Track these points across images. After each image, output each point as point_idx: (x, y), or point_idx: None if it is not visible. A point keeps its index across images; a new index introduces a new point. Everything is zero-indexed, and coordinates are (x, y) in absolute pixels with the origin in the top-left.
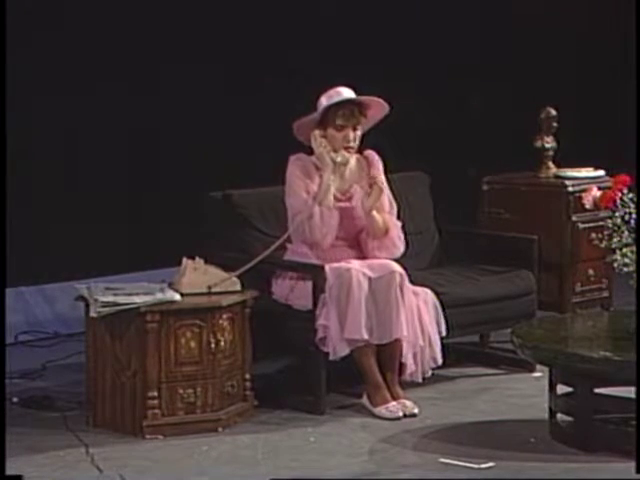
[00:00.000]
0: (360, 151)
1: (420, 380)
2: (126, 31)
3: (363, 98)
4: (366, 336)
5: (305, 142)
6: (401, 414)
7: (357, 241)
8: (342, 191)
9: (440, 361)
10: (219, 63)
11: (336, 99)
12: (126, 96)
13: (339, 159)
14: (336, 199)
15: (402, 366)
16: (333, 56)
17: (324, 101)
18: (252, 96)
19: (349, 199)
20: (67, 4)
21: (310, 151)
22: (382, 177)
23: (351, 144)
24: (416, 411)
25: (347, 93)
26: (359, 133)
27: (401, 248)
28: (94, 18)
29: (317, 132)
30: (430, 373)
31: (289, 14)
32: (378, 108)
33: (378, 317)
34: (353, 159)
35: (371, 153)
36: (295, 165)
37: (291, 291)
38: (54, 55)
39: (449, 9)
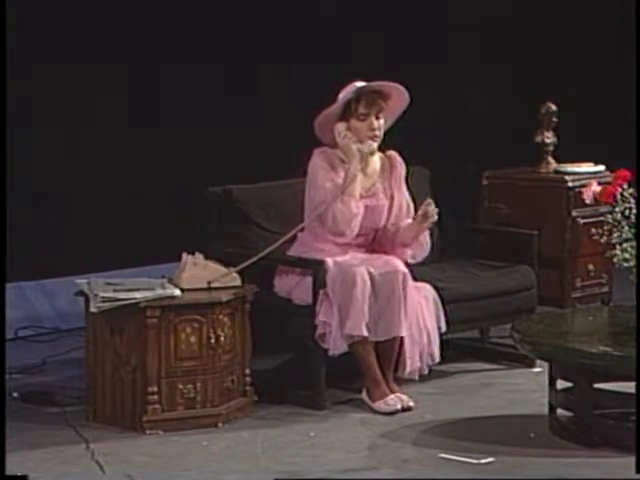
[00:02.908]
0: (383, 150)
1: (417, 378)
2: (125, 29)
3: (383, 84)
4: (365, 333)
5: (329, 142)
6: (399, 407)
7: (374, 238)
8: (365, 188)
9: (437, 358)
10: (219, 60)
11: (356, 90)
12: (126, 92)
13: (366, 149)
14: (359, 195)
15: (398, 363)
16: (333, 53)
17: (342, 95)
18: (252, 92)
19: (371, 196)
20: (67, 6)
21: (333, 144)
22: (434, 212)
23: (376, 132)
24: (412, 404)
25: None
26: (382, 122)
27: (426, 251)
28: (94, 19)
29: (340, 125)
30: (427, 371)
31: (289, 12)
32: (399, 97)
33: (379, 314)
34: (376, 157)
35: (394, 154)
36: (320, 157)
37: (296, 286)
38: (54, 54)
39: (449, 4)
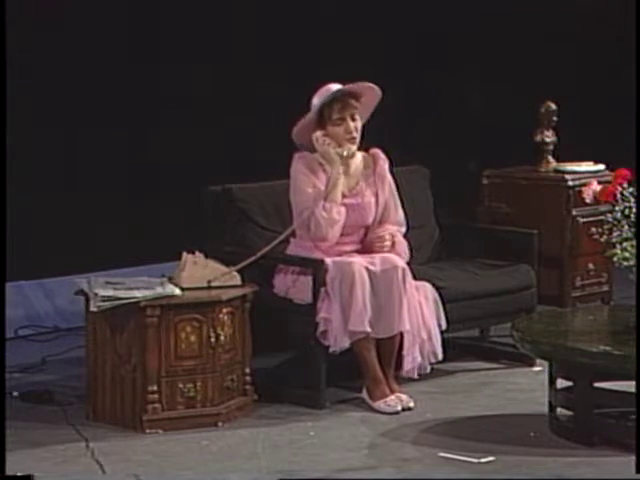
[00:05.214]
0: (366, 149)
1: (416, 377)
2: (125, 29)
3: (353, 86)
4: (368, 329)
5: (308, 147)
6: (400, 408)
7: (363, 236)
8: (348, 188)
9: (440, 356)
10: (219, 60)
11: (327, 95)
12: (126, 92)
13: (345, 152)
14: (343, 195)
15: (400, 361)
16: (333, 52)
17: (316, 101)
18: (252, 91)
19: (355, 195)
20: (67, 6)
21: (313, 151)
22: (383, 245)
23: (353, 134)
24: (412, 405)
25: (336, 87)
26: (359, 124)
27: (404, 260)
28: (94, 19)
29: (318, 133)
30: (429, 369)
31: (290, 11)
32: (370, 94)
33: (380, 311)
34: (358, 155)
35: (377, 152)
36: (299, 162)
37: (293, 285)
38: (54, 54)
39: (449, 5)
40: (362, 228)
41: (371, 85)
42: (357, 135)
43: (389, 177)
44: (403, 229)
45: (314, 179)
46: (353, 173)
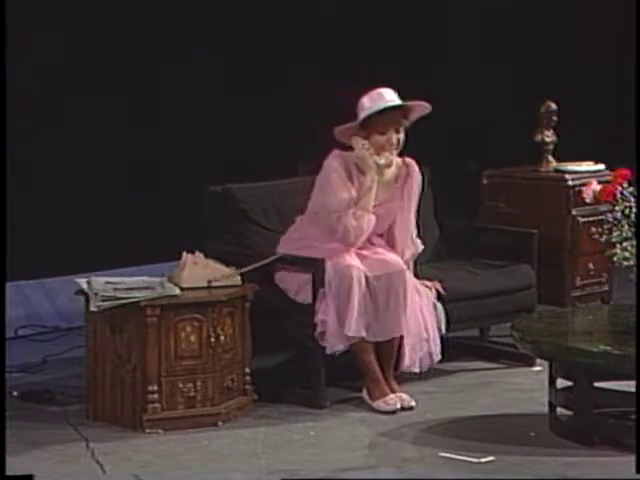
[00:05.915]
0: (401, 155)
1: (417, 370)
2: (125, 29)
3: (409, 104)
4: (364, 334)
5: (346, 143)
6: (399, 406)
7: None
8: (378, 199)
9: (437, 358)
10: (219, 60)
11: (381, 105)
12: (126, 92)
13: (382, 161)
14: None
15: (399, 360)
16: (333, 53)
17: (367, 103)
18: (253, 90)
19: (382, 204)
20: (67, 6)
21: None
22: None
23: (394, 146)
24: (413, 404)
25: (389, 96)
26: (402, 136)
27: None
28: (94, 19)
29: (359, 138)
30: (427, 368)
31: (289, 11)
32: (420, 109)
33: (379, 314)
34: (393, 162)
35: (412, 163)
36: (336, 161)
37: (295, 285)
38: (54, 54)
39: (449, 4)
40: (380, 232)
41: (425, 104)
42: (398, 148)
43: (418, 191)
44: (419, 249)
45: (349, 184)
46: (386, 182)
